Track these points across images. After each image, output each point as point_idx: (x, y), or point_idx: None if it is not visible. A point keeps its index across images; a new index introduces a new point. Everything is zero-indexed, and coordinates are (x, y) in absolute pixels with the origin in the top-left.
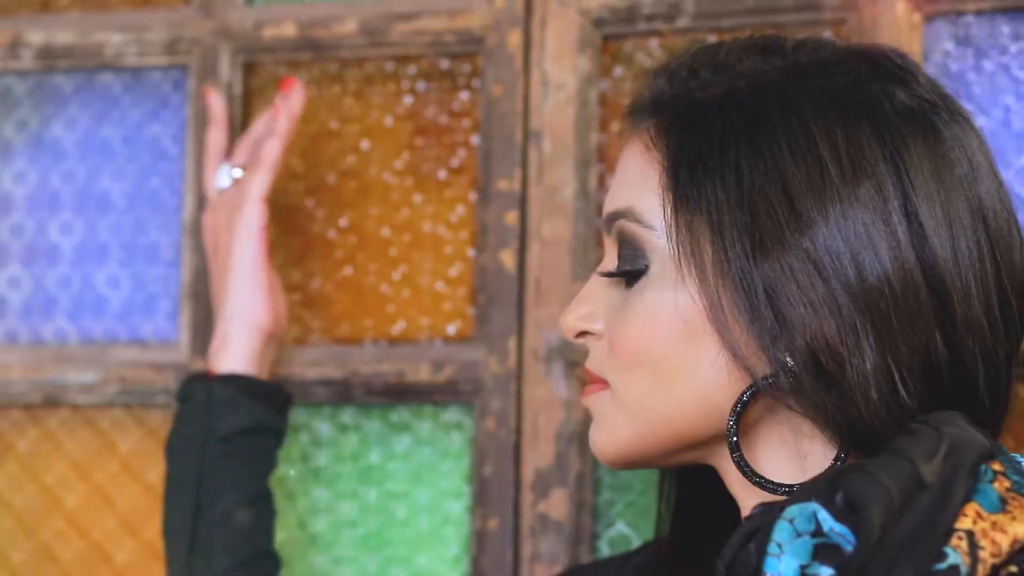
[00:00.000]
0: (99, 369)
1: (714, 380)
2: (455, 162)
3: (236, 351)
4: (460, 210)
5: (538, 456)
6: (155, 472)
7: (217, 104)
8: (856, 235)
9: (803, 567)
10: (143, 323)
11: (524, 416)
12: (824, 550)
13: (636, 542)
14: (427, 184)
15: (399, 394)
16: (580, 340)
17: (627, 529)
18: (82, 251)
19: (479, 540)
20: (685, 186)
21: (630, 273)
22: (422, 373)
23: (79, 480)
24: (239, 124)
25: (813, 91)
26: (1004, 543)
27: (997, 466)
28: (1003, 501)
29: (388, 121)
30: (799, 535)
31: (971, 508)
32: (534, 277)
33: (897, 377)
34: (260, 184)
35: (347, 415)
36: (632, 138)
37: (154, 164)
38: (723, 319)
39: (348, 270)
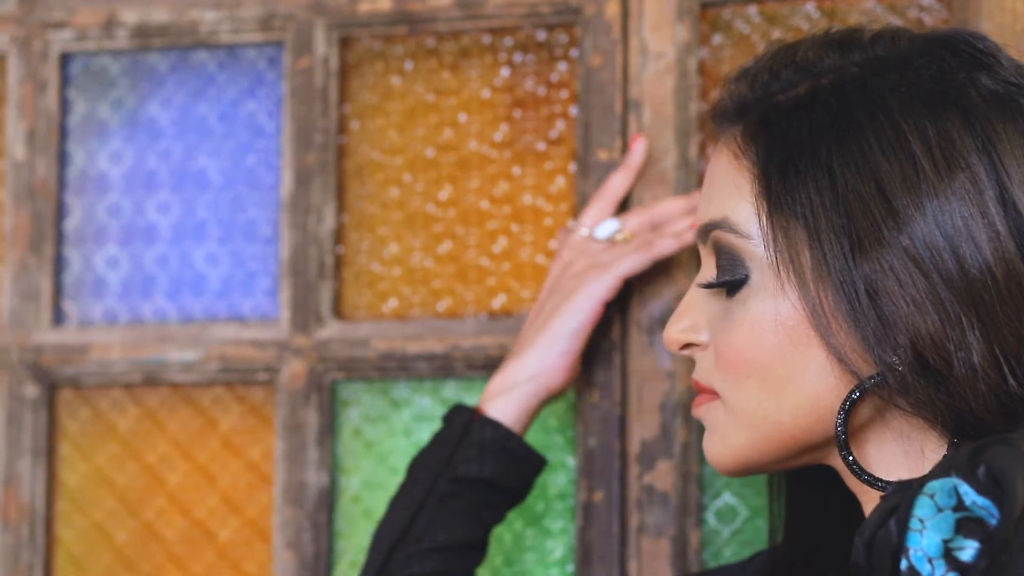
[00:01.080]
0: (199, 347)
1: (823, 384)
2: (553, 133)
3: (514, 403)
4: (560, 181)
5: (643, 427)
6: (256, 449)
7: (639, 152)
8: (955, 228)
9: (946, 541)
10: (242, 300)
11: (629, 387)
12: (967, 524)
13: (743, 513)
14: (526, 156)
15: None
16: (685, 352)
17: (733, 500)
18: (180, 229)
19: (585, 513)
20: (778, 192)
21: (730, 283)
22: None
23: (181, 458)
24: (336, 99)
25: (898, 86)
26: None
27: None
28: None
29: (485, 93)
30: (940, 510)
31: None
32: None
33: (1006, 368)
34: (631, 265)
35: (449, 389)
36: (719, 146)
37: (251, 141)
38: (826, 323)
39: (447, 244)
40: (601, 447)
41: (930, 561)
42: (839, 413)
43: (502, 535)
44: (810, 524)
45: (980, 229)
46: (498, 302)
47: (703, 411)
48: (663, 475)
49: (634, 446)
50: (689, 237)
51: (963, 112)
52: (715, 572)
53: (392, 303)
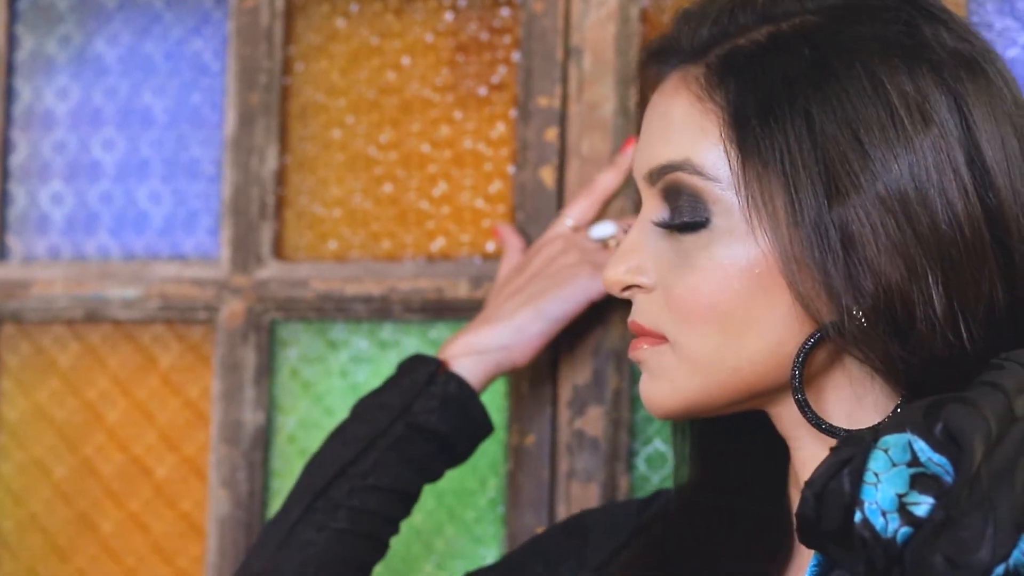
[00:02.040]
0: (140, 285)
1: (785, 330)
2: (496, 79)
3: (481, 367)
4: (500, 127)
5: (575, 373)
6: (195, 388)
7: (631, 154)
8: (929, 181)
9: (901, 496)
10: (184, 239)
11: (561, 333)
12: (922, 479)
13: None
14: (467, 101)
15: (438, 311)
16: (626, 294)
17: (664, 447)
18: (124, 167)
19: (516, 456)
20: (754, 137)
21: (690, 225)
22: (460, 290)
23: (120, 395)
24: (281, 40)
25: (870, 38)
26: None
27: None
28: None
29: (429, 37)
30: (895, 465)
31: None
32: (573, 194)
33: (963, 326)
34: None
35: (386, 331)
36: (668, 86)
37: (196, 80)
38: (795, 269)
39: (388, 187)
40: (533, 392)
41: (884, 514)
42: (797, 356)
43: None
44: (723, 467)
45: (952, 185)
46: (437, 245)
47: (645, 354)
48: (594, 421)
49: (566, 391)
50: None
51: (934, 68)
52: (617, 506)
53: (332, 245)
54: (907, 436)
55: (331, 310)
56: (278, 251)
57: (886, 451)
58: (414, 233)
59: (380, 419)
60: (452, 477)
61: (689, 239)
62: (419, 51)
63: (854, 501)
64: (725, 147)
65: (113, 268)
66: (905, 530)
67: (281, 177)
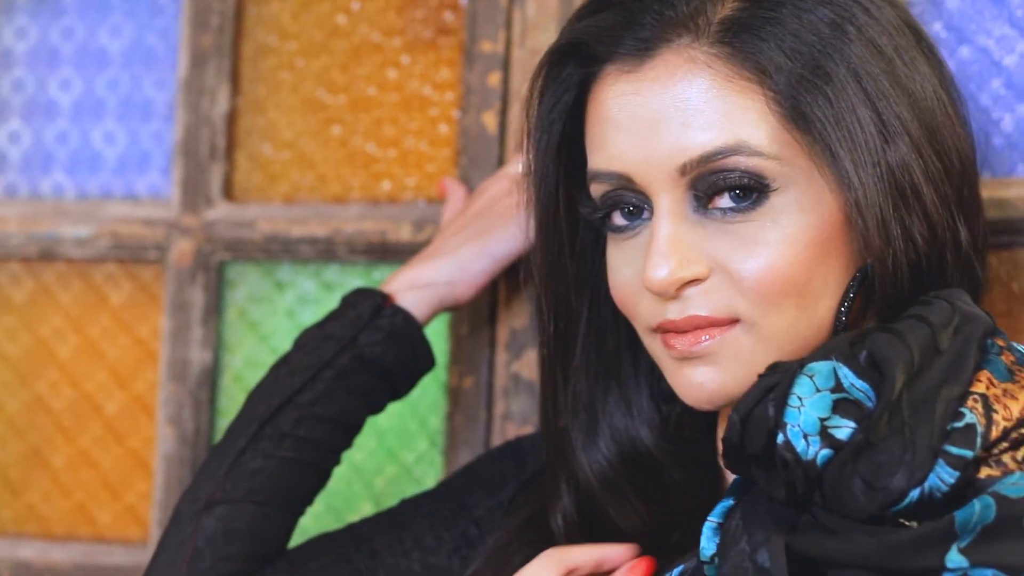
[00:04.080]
0: (92, 224)
1: (840, 289)
2: (443, 23)
3: (425, 301)
4: (446, 72)
5: (512, 316)
6: (145, 326)
7: None
8: (945, 124)
9: (823, 420)
10: (137, 179)
11: (501, 275)
12: (844, 404)
13: None
14: (415, 45)
15: (382, 253)
16: (679, 292)
17: None
18: (80, 107)
19: (454, 398)
20: (808, 104)
21: (754, 205)
22: (404, 233)
23: (72, 332)
24: None
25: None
26: (1015, 409)
27: (1000, 341)
28: (1011, 372)
29: None
30: (819, 390)
31: (983, 375)
32: (515, 139)
33: (975, 259)
34: None
35: (332, 273)
36: (659, 71)
37: (151, 21)
38: (861, 222)
39: (337, 129)
40: (472, 334)
41: (805, 437)
42: (847, 293)
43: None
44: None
45: (953, 127)
46: (383, 188)
47: (714, 345)
48: (531, 364)
49: (503, 334)
50: None
51: (908, 21)
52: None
53: (282, 186)
54: (832, 363)
55: (278, 251)
56: (228, 192)
57: (811, 377)
58: (361, 176)
59: (326, 350)
60: (393, 415)
61: (751, 216)
62: None
63: (777, 424)
64: (775, 120)
65: (66, 207)
66: (825, 452)
67: (232, 119)
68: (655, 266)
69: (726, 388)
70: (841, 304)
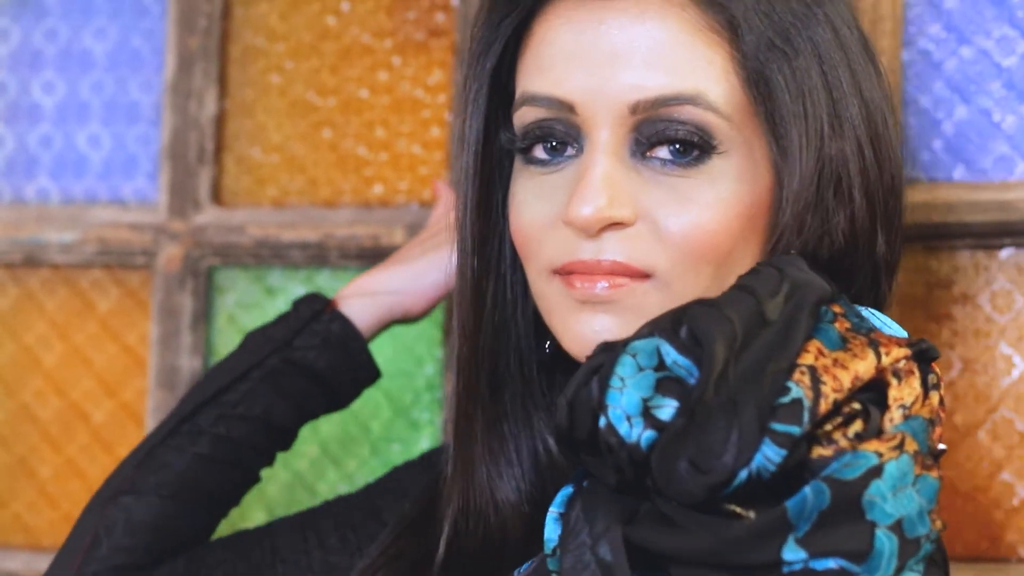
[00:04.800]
0: (78, 229)
1: (750, 267)
2: (434, 25)
3: (370, 310)
4: (438, 74)
5: None
6: (133, 333)
7: None
8: (885, 136)
9: (645, 400)
10: (123, 183)
11: None
12: (667, 383)
13: None
14: (406, 47)
15: (374, 257)
16: (604, 232)
17: None
18: (64, 110)
19: (449, 404)
20: (769, 74)
21: (696, 160)
22: (397, 236)
23: (58, 339)
24: None
25: None
26: (845, 379)
27: (837, 308)
28: (844, 340)
29: None
30: (642, 369)
31: (813, 345)
32: None
33: (863, 264)
34: None
35: (323, 278)
36: (645, 4)
37: (136, 23)
38: (789, 205)
39: (327, 133)
40: None
41: (628, 419)
42: None
43: (369, 425)
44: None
45: (889, 130)
46: (375, 192)
47: (621, 293)
48: None
49: None
50: None
51: (862, 29)
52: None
53: (271, 190)
54: (656, 340)
55: (268, 256)
56: (216, 196)
57: (634, 356)
58: (352, 180)
59: (259, 351)
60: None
61: (689, 173)
62: None
63: (600, 406)
64: (736, 80)
65: (51, 212)
66: (649, 434)
67: (220, 122)
68: (585, 200)
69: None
70: None
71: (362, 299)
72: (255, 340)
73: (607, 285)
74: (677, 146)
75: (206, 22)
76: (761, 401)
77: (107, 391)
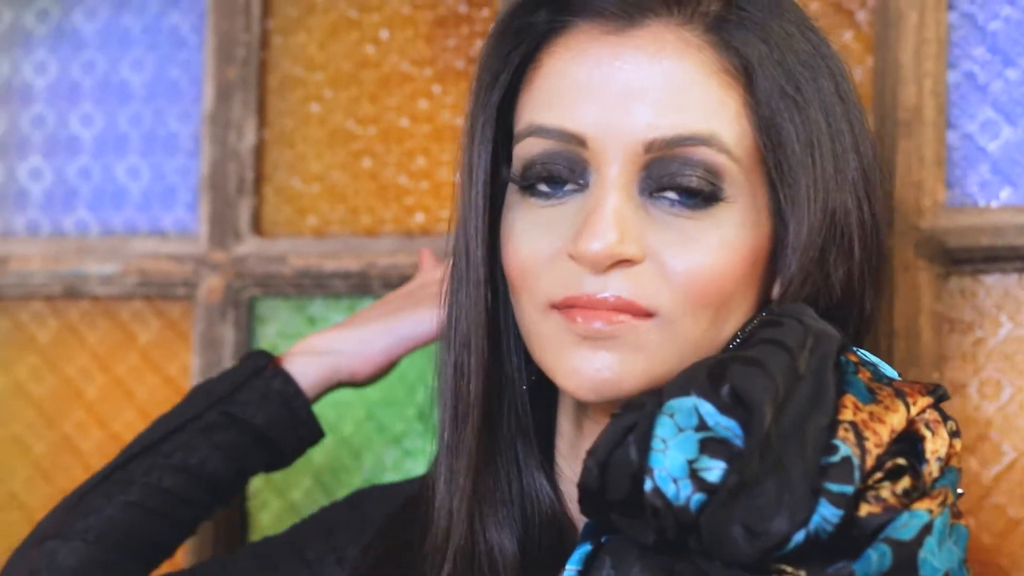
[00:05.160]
0: (118, 260)
1: (745, 317)
2: (474, 52)
3: (315, 369)
4: None
5: None
6: (174, 364)
7: None
8: (875, 192)
9: (691, 462)
10: (163, 214)
11: None
12: (712, 444)
13: None
14: (446, 75)
15: None
16: (610, 269)
17: None
18: (102, 142)
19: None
20: (781, 122)
21: (706, 202)
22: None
23: (99, 371)
24: (259, 14)
25: (814, 29)
26: (884, 433)
27: (853, 357)
28: (871, 391)
29: (407, 11)
30: (682, 430)
31: (848, 400)
32: None
33: (852, 319)
34: None
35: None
36: (648, 41)
37: (173, 54)
38: (795, 255)
39: (367, 161)
40: None
41: (675, 481)
42: (742, 332)
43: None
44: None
45: (875, 170)
46: (416, 221)
47: (623, 329)
48: None
49: None
50: None
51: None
52: (397, 486)
53: (311, 220)
54: (693, 399)
55: (310, 286)
56: (257, 227)
57: (672, 416)
58: (393, 208)
59: (199, 403)
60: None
61: (697, 215)
62: (397, 24)
63: (642, 469)
64: (747, 124)
65: (91, 244)
66: (699, 497)
67: (259, 152)
68: (596, 235)
69: (621, 382)
70: (738, 333)
71: (307, 357)
72: (197, 393)
73: (612, 320)
74: (696, 187)
75: (244, 52)
76: (808, 461)
77: (149, 422)
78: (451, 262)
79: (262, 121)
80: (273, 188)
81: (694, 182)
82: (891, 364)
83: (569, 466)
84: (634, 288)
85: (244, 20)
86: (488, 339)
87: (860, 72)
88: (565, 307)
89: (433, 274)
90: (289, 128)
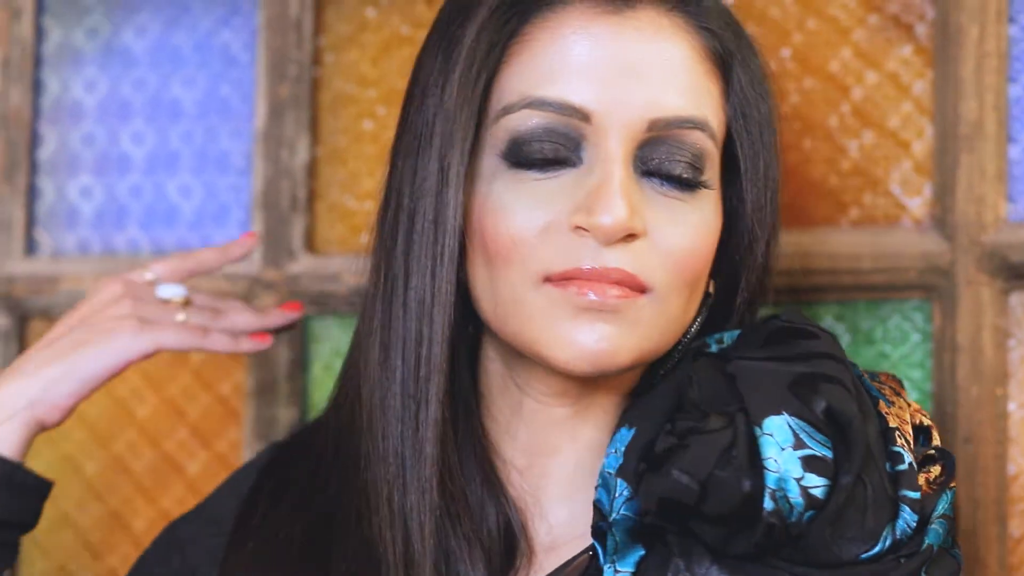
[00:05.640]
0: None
1: (698, 300)
2: None
3: (16, 433)
4: None
5: None
6: (227, 383)
7: (243, 247)
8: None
9: (798, 480)
10: (215, 232)
11: None
12: (813, 462)
13: None
14: None
15: None
16: (616, 244)
17: None
18: (153, 159)
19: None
20: (750, 117)
21: (697, 185)
22: None
23: (151, 391)
24: (311, 31)
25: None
26: (910, 431)
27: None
28: (881, 391)
29: None
30: (783, 449)
31: (881, 406)
32: None
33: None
34: (176, 341)
35: None
36: (646, 22)
37: (225, 71)
38: (764, 250)
39: None
40: None
41: (789, 500)
42: (700, 315)
43: None
44: None
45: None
46: None
47: (625, 305)
48: None
49: None
50: (246, 346)
51: None
52: (208, 501)
53: (365, 238)
54: (785, 418)
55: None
56: (310, 245)
57: (771, 436)
58: None
59: None
60: None
61: (684, 196)
62: None
63: (759, 488)
64: (720, 117)
65: (143, 262)
66: (810, 513)
67: (312, 170)
68: (613, 206)
69: (616, 354)
70: (697, 316)
71: (4, 425)
72: None
73: (617, 294)
74: (688, 169)
75: (297, 69)
76: (882, 471)
77: (201, 442)
78: (394, 233)
79: (315, 139)
80: (326, 206)
81: (679, 170)
82: (954, 380)
83: (505, 450)
84: (635, 263)
85: (296, 37)
86: (454, 309)
87: (920, 86)
88: (564, 279)
89: (108, 292)
90: (342, 145)
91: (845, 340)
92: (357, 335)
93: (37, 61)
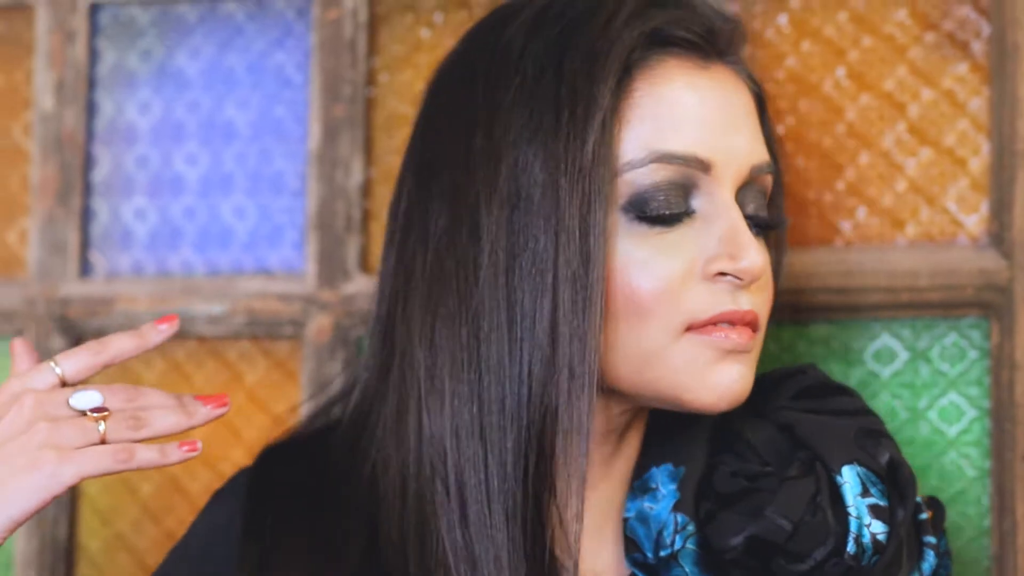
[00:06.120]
0: (226, 300)
1: None
2: None
3: None
4: None
5: None
6: (282, 403)
7: (162, 333)
8: None
9: (867, 525)
10: (269, 254)
11: None
12: (876, 509)
13: None
14: None
15: None
16: (750, 287)
17: None
18: (207, 181)
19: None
20: (769, 149)
21: (774, 227)
22: None
23: None
24: (365, 51)
25: None
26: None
27: None
28: None
29: None
30: (855, 496)
31: None
32: None
33: None
34: (101, 467)
35: None
36: (726, 76)
37: (279, 93)
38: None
39: None
40: None
41: (861, 544)
42: None
43: None
44: None
45: None
46: None
47: (754, 343)
48: None
49: None
50: (175, 457)
51: None
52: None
53: None
54: (856, 468)
55: None
56: (365, 265)
57: (848, 483)
58: None
59: None
60: None
61: (763, 235)
62: None
63: (843, 533)
64: None
65: (197, 284)
66: (876, 557)
67: (367, 190)
68: (752, 252)
69: (746, 391)
70: None
71: None
72: None
73: (751, 334)
74: (770, 212)
75: (351, 90)
76: (911, 519)
77: None
78: (493, 293)
79: (369, 159)
80: (381, 226)
81: (763, 215)
82: (1012, 398)
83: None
84: (759, 303)
85: (350, 58)
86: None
87: (976, 103)
88: (708, 325)
89: (18, 411)
90: (396, 166)
91: (902, 358)
92: (398, 392)
93: (91, 83)
